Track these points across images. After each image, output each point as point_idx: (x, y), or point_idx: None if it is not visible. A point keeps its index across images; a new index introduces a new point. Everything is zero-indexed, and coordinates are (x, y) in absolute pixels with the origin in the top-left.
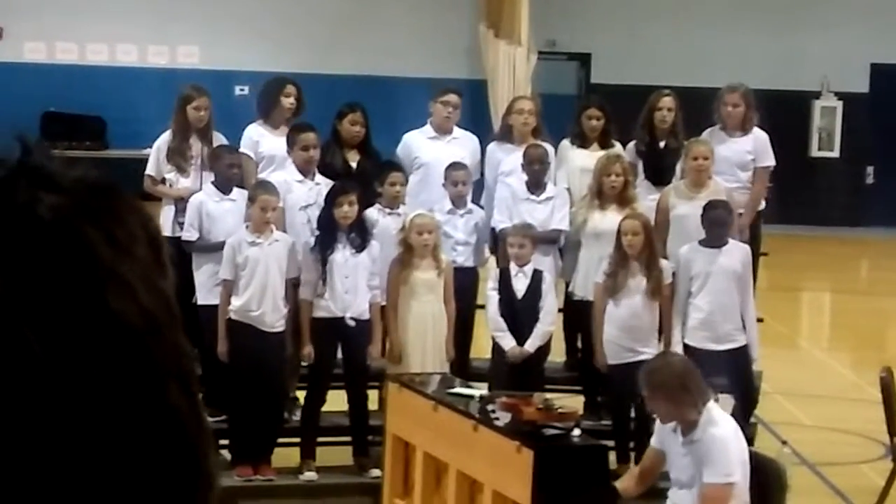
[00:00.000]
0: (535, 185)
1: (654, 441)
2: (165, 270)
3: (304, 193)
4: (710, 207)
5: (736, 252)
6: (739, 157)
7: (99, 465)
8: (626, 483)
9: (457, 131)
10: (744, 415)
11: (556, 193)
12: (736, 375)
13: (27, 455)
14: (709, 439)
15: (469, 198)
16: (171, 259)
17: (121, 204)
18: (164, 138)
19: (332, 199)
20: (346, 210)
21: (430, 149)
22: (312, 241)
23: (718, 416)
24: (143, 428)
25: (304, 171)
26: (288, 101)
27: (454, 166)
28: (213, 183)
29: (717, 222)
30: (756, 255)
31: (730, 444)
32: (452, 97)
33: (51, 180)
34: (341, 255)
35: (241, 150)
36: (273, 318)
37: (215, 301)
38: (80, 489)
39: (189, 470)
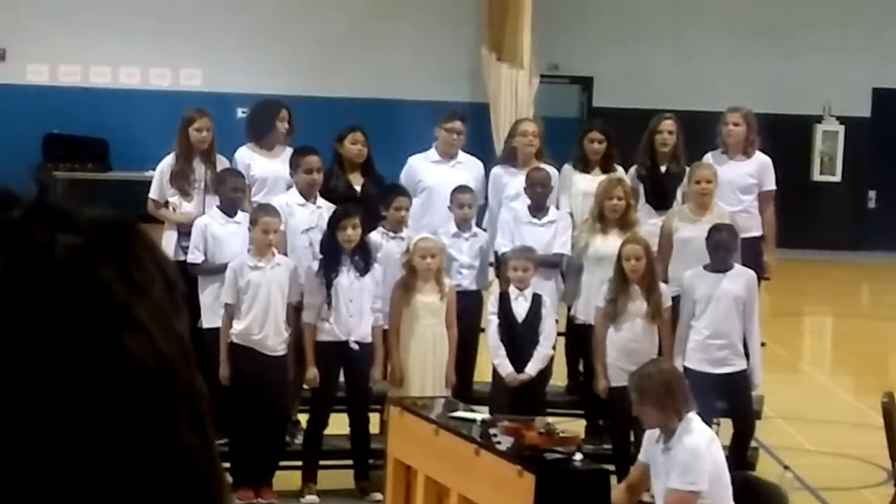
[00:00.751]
0: (538, 208)
1: (641, 455)
2: (181, 311)
3: (305, 217)
4: (715, 231)
5: (740, 277)
6: (742, 180)
7: (110, 503)
8: (614, 497)
9: (461, 156)
10: (741, 440)
11: (559, 217)
12: (732, 400)
13: (39, 495)
14: (681, 447)
15: (474, 221)
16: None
17: (137, 243)
18: (168, 161)
19: (335, 223)
20: (350, 234)
21: (435, 173)
22: (315, 264)
23: (696, 426)
24: (154, 469)
25: (307, 194)
26: (283, 126)
27: (460, 189)
28: (217, 206)
29: (721, 246)
30: (759, 279)
31: (700, 453)
32: (458, 124)
33: (67, 220)
34: (345, 278)
35: None
36: (275, 341)
37: (219, 324)
38: None
39: None
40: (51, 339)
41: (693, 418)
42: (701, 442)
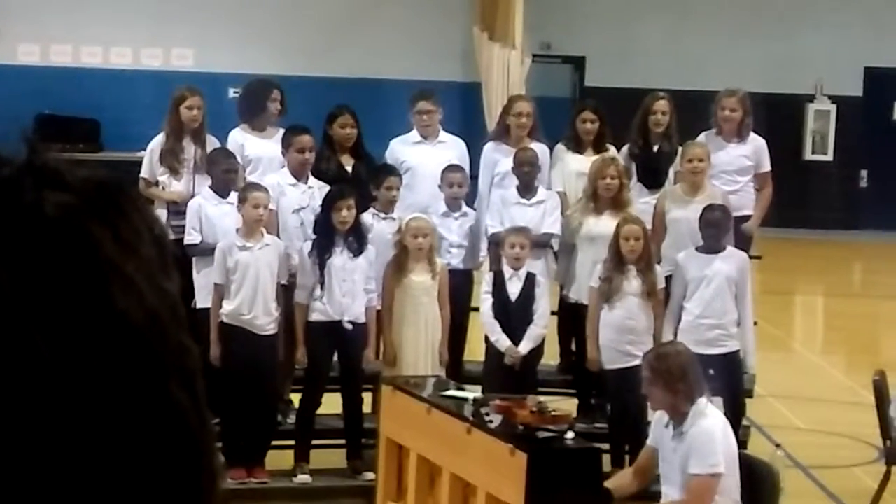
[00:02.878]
0: (526, 188)
1: (649, 439)
2: (170, 270)
3: (297, 197)
4: (708, 210)
5: (732, 258)
6: (738, 162)
7: (103, 462)
8: (619, 481)
9: (443, 135)
10: (731, 420)
11: (548, 197)
12: (723, 381)
13: (31, 452)
14: (696, 431)
15: (463, 201)
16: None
17: (127, 203)
18: (158, 140)
19: (330, 204)
20: (345, 214)
21: (417, 153)
22: (307, 244)
23: (710, 411)
24: (146, 425)
25: (298, 173)
26: (274, 106)
27: (451, 168)
28: (210, 187)
29: (712, 224)
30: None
31: (716, 436)
32: (423, 104)
33: (57, 179)
34: (339, 259)
35: None
36: (265, 321)
37: None
38: (85, 486)
39: (193, 467)
40: (41, 294)
41: (704, 402)
42: (716, 425)
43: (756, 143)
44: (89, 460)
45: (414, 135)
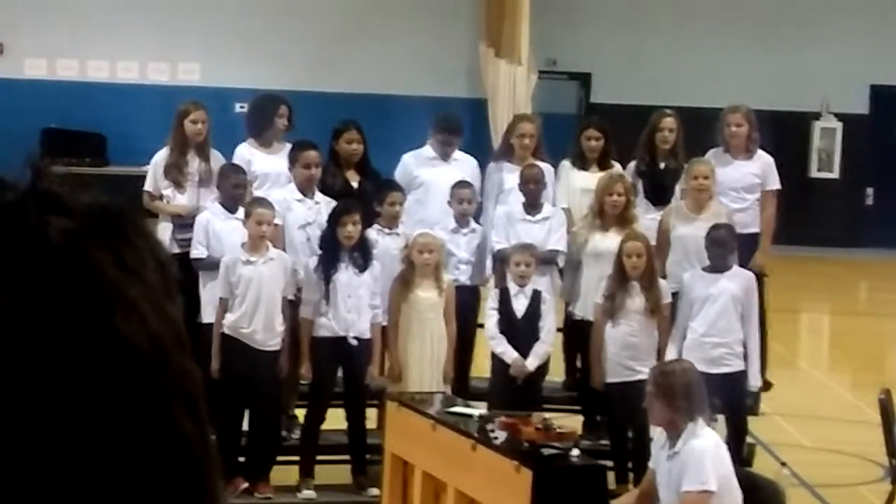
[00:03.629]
0: (532, 205)
1: (651, 461)
2: (174, 295)
3: (303, 212)
4: (714, 229)
5: (738, 278)
6: (746, 179)
7: (105, 487)
8: (623, 502)
9: (457, 153)
10: (734, 439)
11: (553, 214)
12: (726, 401)
13: (33, 475)
14: (688, 450)
15: (472, 217)
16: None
17: (130, 228)
18: (162, 154)
19: (335, 219)
20: (350, 230)
21: (430, 169)
22: (312, 260)
23: (703, 431)
24: (148, 451)
25: (304, 189)
26: (281, 122)
27: (460, 185)
28: (219, 202)
29: (718, 243)
30: (759, 279)
31: (708, 455)
32: (448, 138)
33: (61, 204)
34: (344, 274)
35: None
36: (265, 336)
37: None
38: None
39: (194, 492)
40: (45, 321)
41: (701, 424)
42: (707, 445)
43: (764, 160)
44: (91, 485)
45: (428, 151)
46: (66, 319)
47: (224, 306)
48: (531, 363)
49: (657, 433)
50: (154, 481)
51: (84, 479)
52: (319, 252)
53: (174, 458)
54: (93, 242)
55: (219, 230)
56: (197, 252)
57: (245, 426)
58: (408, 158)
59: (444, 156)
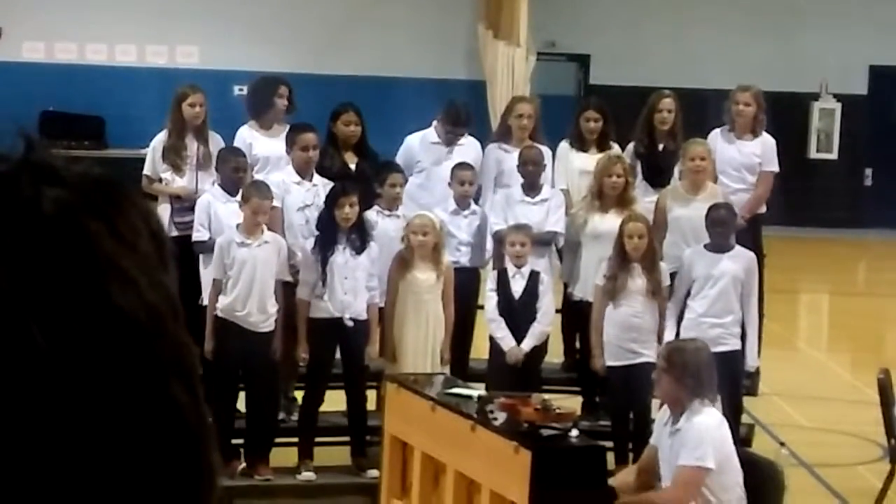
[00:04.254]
0: (531, 186)
1: (652, 438)
2: (168, 265)
3: (301, 194)
4: (714, 209)
5: (740, 258)
6: (748, 159)
7: (101, 458)
8: (623, 478)
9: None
10: (729, 419)
11: (552, 195)
12: (722, 379)
13: (30, 447)
14: (688, 426)
15: (472, 199)
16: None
17: (123, 198)
18: (160, 137)
19: (332, 201)
20: (348, 212)
21: (433, 153)
22: (311, 241)
23: (706, 409)
24: (144, 421)
25: (303, 171)
26: (281, 102)
27: (461, 166)
28: (219, 185)
29: (718, 222)
30: (759, 259)
31: (708, 432)
32: (460, 130)
33: (54, 175)
34: (342, 256)
35: None
36: (259, 318)
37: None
38: (83, 481)
39: (191, 463)
40: (40, 291)
41: (706, 404)
42: (710, 422)
43: (766, 142)
44: (87, 455)
45: (432, 134)
46: (60, 289)
47: (217, 287)
48: (527, 344)
49: (661, 411)
50: (150, 452)
51: (80, 449)
52: (317, 234)
53: (170, 429)
54: (87, 212)
55: (220, 213)
56: (199, 235)
57: (242, 409)
58: (411, 140)
59: (448, 143)
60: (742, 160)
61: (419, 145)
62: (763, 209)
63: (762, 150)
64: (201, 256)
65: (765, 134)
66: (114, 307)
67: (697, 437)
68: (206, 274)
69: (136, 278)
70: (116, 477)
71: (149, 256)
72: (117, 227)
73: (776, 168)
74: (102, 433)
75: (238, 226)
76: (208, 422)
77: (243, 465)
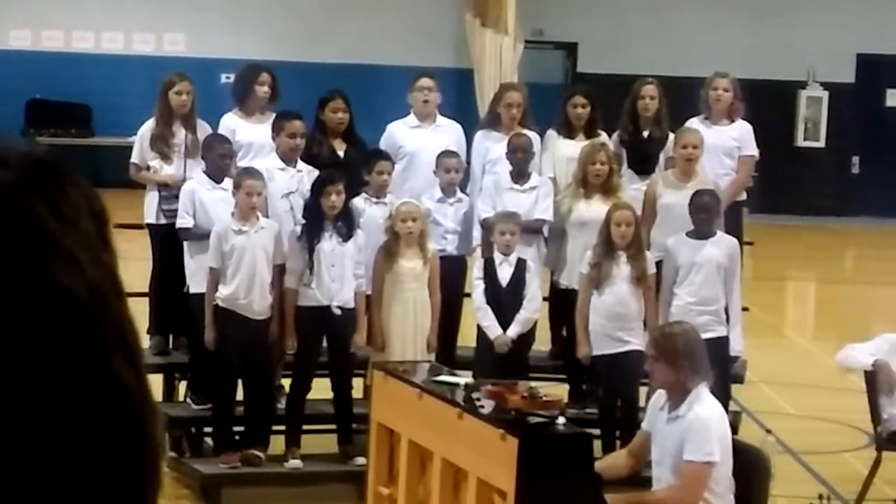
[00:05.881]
0: (519, 174)
1: (644, 423)
2: (110, 245)
3: (286, 181)
4: (697, 195)
5: (723, 244)
6: (726, 143)
7: (44, 435)
8: (611, 461)
9: (440, 119)
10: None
11: (540, 183)
12: (710, 366)
13: None
14: (692, 417)
15: (458, 186)
16: (158, 246)
17: (65, 178)
18: (148, 125)
19: (319, 189)
20: (334, 199)
21: (414, 137)
22: (296, 229)
23: (707, 397)
24: (87, 398)
25: (287, 158)
26: (262, 90)
27: (446, 154)
28: (204, 172)
29: (703, 209)
30: (739, 245)
31: (714, 425)
32: (426, 81)
33: None
34: (328, 244)
35: None
36: (261, 305)
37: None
38: (24, 457)
39: (135, 440)
40: None
41: (703, 389)
42: (713, 413)
43: (742, 126)
44: (28, 431)
45: (412, 119)
46: (2, 268)
47: (216, 277)
48: (513, 331)
49: (655, 396)
50: (94, 430)
51: (23, 428)
52: (303, 221)
53: (114, 406)
54: (27, 192)
55: (205, 200)
56: (183, 221)
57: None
58: (392, 127)
59: (426, 113)
60: (721, 145)
61: (400, 130)
62: (743, 196)
63: (739, 133)
64: (186, 244)
65: (741, 120)
66: (56, 285)
67: (704, 430)
68: (192, 262)
69: (77, 256)
70: (60, 454)
71: (90, 235)
72: (58, 207)
73: (755, 152)
74: (45, 410)
75: (233, 213)
76: (153, 398)
77: (239, 463)
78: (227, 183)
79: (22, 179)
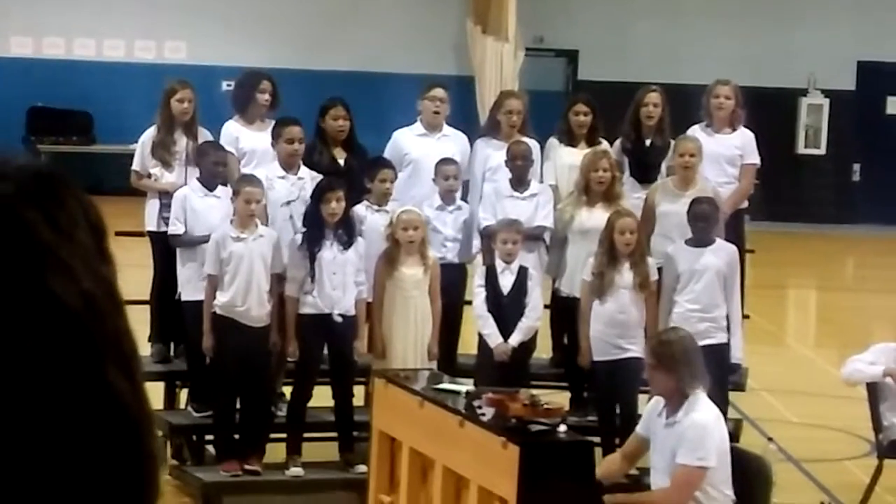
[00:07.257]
0: (519, 181)
1: (639, 427)
2: (108, 256)
3: (286, 189)
4: (695, 203)
5: (722, 252)
6: (728, 151)
7: (39, 446)
8: (608, 466)
9: (446, 129)
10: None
11: (540, 190)
12: (710, 372)
13: None
14: (689, 422)
15: (458, 194)
16: (159, 254)
17: (63, 190)
18: (149, 133)
19: (319, 196)
20: (334, 207)
21: (420, 146)
22: (297, 237)
23: (704, 403)
24: (81, 407)
25: (288, 165)
26: (263, 97)
27: (445, 161)
28: (198, 179)
29: (701, 217)
30: (741, 253)
31: (709, 430)
32: (439, 91)
33: None
34: (329, 252)
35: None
36: (259, 312)
37: (199, 297)
38: (21, 465)
39: (131, 448)
40: None
41: (701, 394)
42: (709, 418)
43: (745, 134)
44: (25, 443)
45: (418, 127)
46: None
47: (214, 284)
48: (515, 339)
49: (652, 402)
50: (89, 439)
51: (18, 437)
52: (304, 229)
53: (109, 416)
54: (25, 203)
55: (197, 207)
56: (174, 228)
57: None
58: (398, 134)
59: (435, 123)
60: (723, 153)
61: (406, 138)
62: (745, 203)
63: (742, 142)
64: (178, 251)
65: (743, 128)
66: (51, 295)
67: (699, 435)
68: (184, 270)
69: (73, 267)
70: (56, 464)
71: (86, 247)
72: (56, 218)
73: (757, 161)
74: (40, 420)
75: (232, 221)
76: (149, 408)
77: (239, 472)
78: (220, 190)
79: (19, 191)
